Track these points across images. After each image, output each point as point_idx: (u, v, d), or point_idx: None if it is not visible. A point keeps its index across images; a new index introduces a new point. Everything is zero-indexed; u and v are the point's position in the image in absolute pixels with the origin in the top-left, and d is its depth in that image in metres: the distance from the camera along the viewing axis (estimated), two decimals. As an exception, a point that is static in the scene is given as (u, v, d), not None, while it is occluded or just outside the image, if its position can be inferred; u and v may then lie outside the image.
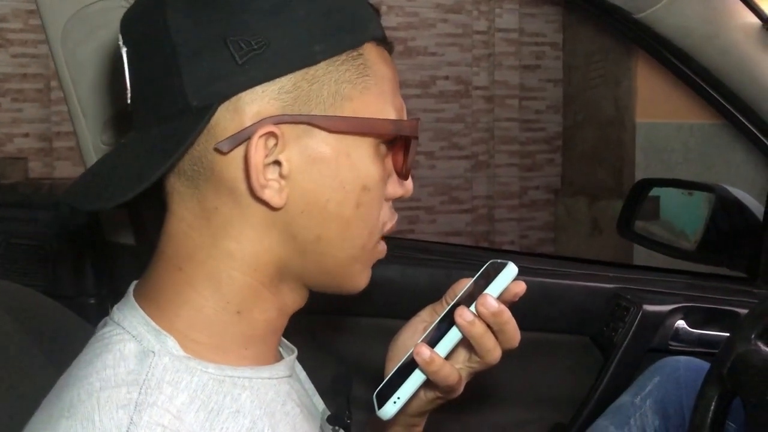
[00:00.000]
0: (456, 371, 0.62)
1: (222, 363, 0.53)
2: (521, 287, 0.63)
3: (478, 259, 1.37)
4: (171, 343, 0.52)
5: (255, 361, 0.56)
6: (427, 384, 0.62)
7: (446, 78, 4.38)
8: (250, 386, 0.54)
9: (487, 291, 0.61)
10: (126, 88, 0.55)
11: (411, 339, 0.68)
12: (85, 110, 1.05)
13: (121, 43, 0.55)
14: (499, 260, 0.64)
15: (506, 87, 4.48)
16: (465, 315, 0.60)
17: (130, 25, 0.55)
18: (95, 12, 0.98)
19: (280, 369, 0.59)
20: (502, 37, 4.45)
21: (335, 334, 1.35)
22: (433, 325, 0.65)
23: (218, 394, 0.52)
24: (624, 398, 1.07)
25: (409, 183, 0.62)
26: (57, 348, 0.77)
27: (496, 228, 4.52)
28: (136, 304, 0.55)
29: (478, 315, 0.60)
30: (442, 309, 0.68)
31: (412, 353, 0.61)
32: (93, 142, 1.08)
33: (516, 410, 1.33)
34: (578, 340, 1.32)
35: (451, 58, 4.39)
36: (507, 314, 0.61)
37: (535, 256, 2.42)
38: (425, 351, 0.59)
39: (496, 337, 0.62)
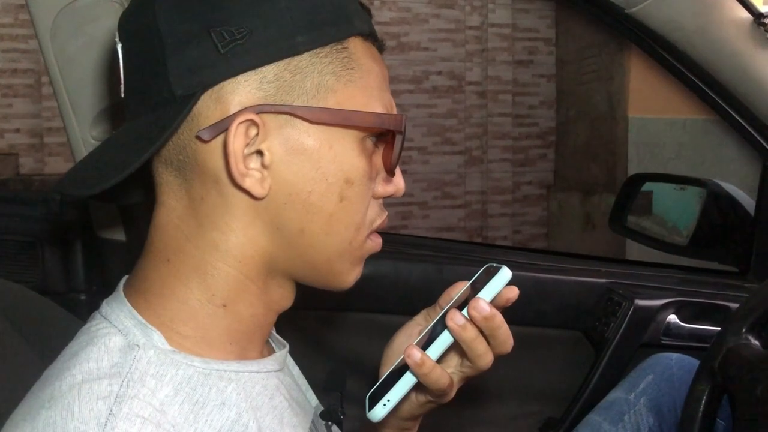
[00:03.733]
0: (447, 375, 0.61)
1: (208, 357, 0.53)
2: (514, 293, 0.63)
3: (470, 255, 1.38)
4: (157, 336, 0.52)
5: (241, 356, 0.56)
6: (419, 387, 0.62)
7: (439, 73, 4.39)
8: (236, 379, 0.54)
9: (479, 295, 0.60)
10: (120, 82, 0.56)
11: (406, 343, 0.68)
12: (75, 105, 1.05)
13: (117, 39, 0.56)
14: (494, 264, 0.63)
15: (499, 82, 4.48)
16: (456, 318, 0.60)
17: (124, 21, 0.56)
18: (84, 7, 0.98)
19: (269, 363, 0.59)
20: (495, 32, 4.45)
21: (328, 329, 1.35)
22: (427, 329, 0.64)
23: (204, 387, 0.52)
24: (616, 394, 1.07)
25: (399, 181, 0.61)
26: (47, 344, 0.77)
27: (489, 223, 4.53)
28: (125, 298, 0.55)
29: (470, 319, 0.60)
30: (435, 313, 0.68)
31: (402, 358, 0.61)
32: (83, 137, 1.07)
33: (508, 404, 1.34)
34: (570, 335, 1.32)
35: (444, 54, 4.39)
36: (499, 319, 0.60)
37: (528, 251, 2.42)
38: (416, 353, 0.59)
39: (488, 342, 0.62)
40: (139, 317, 0.53)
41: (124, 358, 0.50)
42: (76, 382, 0.48)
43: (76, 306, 1.22)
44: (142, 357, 0.50)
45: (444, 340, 0.60)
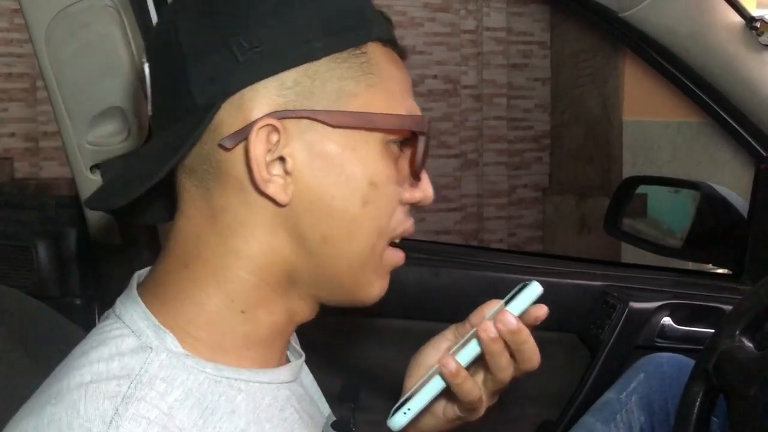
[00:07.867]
0: (478, 387, 0.61)
1: (221, 362, 0.53)
2: (543, 311, 0.62)
3: (466, 258, 1.38)
4: (170, 339, 0.52)
5: (257, 363, 0.56)
6: (449, 400, 0.62)
7: (434, 77, 4.39)
8: (246, 389, 0.54)
9: (507, 308, 0.60)
10: (148, 100, 0.58)
11: (433, 356, 0.67)
12: (70, 110, 1.05)
13: (144, 59, 0.57)
14: (527, 282, 0.62)
15: (494, 86, 4.49)
16: (489, 330, 0.59)
17: (151, 41, 0.58)
18: (79, 12, 0.98)
19: (282, 373, 0.59)
20: (490, 36, 4.46)
21: (325, 333, 1.34)
22: (458, 344, 0.64)
23: (213, 394, 0.52)
24: (609, 395, 1.08)
25: (427, 187, 0.61)
26: (42, 349, 0.77)
27: (485, 226, 4.53)
28: (139, 299, 0.55)
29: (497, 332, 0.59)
30: (464, 330, 0.67)
31: (434, 370, 0.60)
32: (78, 142, 1.07)
33: (504, 407, 1.32)
34: (566, 338, 1.32)
35: (439, 57, 4.40)
36: (525, 333, 0.60)
37: (524, 254, 2.43)
38: (452, 363, 0.59)
39: (513, 357, 0.61)
40: (154, 319, 0.53)
41: (136, 360, 0.50)
42: (84, 381, 0.49)
43: (72, 310, 1.21)
44: (153, 360, 0.50)
45: (471, 350, 0.60)
